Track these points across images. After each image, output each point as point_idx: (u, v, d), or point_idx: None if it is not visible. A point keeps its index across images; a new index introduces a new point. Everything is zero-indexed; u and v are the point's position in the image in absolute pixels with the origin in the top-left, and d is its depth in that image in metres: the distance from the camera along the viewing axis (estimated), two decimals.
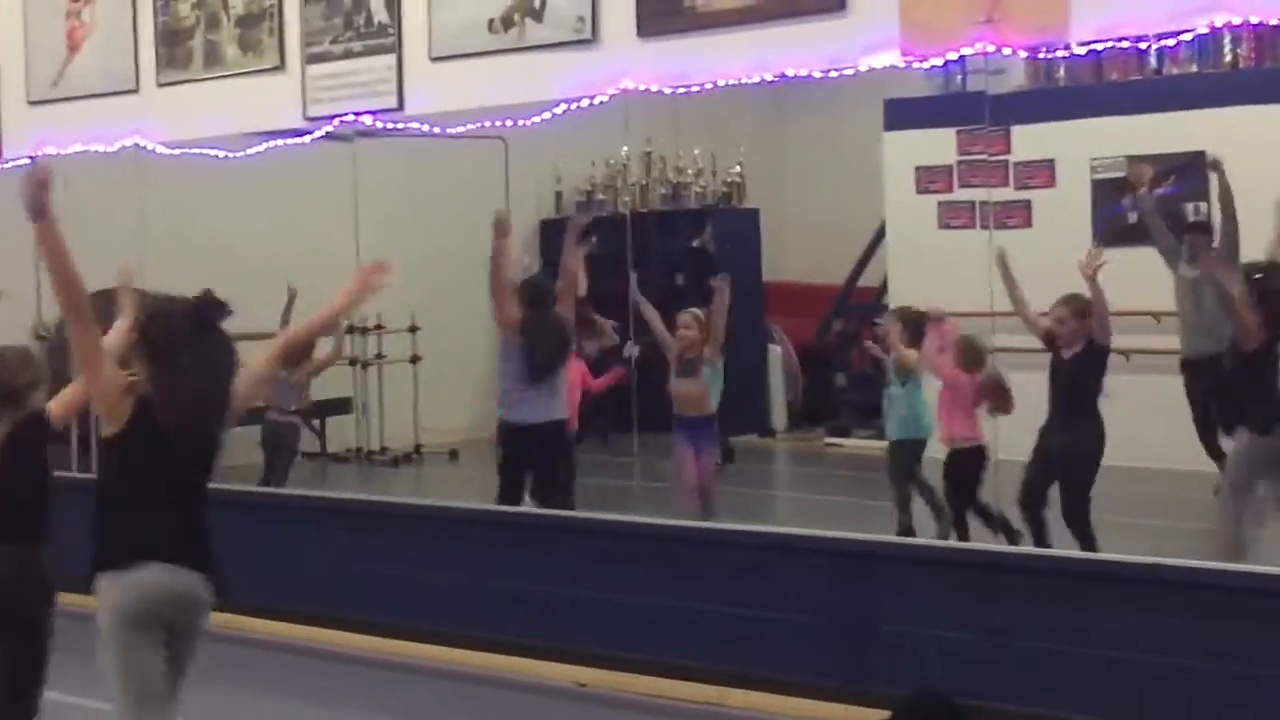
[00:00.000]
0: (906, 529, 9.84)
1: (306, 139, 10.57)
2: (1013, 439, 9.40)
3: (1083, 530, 8.89)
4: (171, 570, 5.47)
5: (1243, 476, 8.81)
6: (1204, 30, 7.29)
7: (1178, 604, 7.03)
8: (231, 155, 11.34)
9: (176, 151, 11.17)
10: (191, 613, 5.55)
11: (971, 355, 9.91)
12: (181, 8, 10.79)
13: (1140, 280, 11.91)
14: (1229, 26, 7.59)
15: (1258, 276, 8.97)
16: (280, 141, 10.82)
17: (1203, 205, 13.12)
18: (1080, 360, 9.10)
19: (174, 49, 10.85)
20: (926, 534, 9.55)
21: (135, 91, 11.10)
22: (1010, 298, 9.59)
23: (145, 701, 5.45)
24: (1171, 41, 10.34)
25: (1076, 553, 7.73)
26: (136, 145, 11.09)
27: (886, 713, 7.49)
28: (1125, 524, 10.04)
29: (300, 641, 9.65)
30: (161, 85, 10.97)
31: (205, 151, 11.27)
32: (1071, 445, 9.00)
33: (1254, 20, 7.24)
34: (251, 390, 5.83)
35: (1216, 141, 13.03)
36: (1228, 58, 13.21)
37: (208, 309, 5.60)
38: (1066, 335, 9.18)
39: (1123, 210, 13.62)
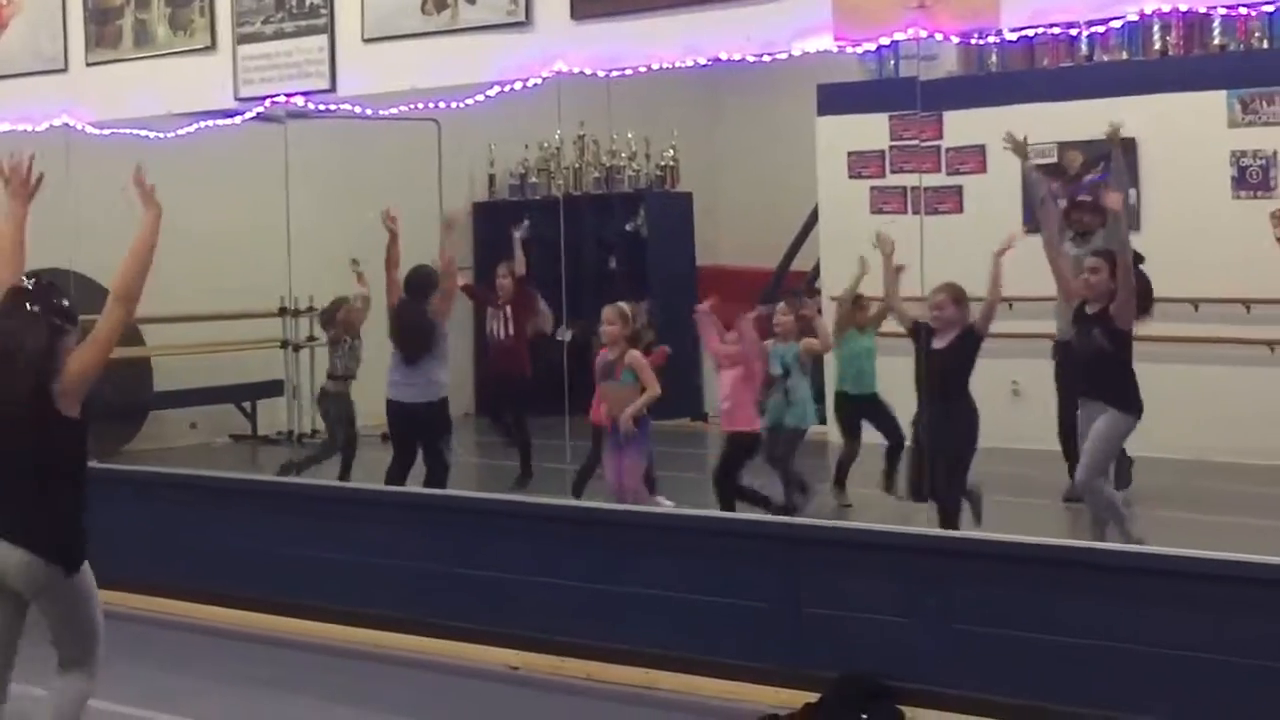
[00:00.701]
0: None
1: (238, 120, 10.49)
2: None
3: (952, 505, 8.99)
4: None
5: (1112, 453, 8.96)
6: (1133, 18, 7.33)
7: (1100, 585, 7.10)
8: (162, 136, 11.23)
9: (106, 132, 11.06)
10: (27, 586, 5.79)
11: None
12: None
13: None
14: (1158, 14, 7.64)
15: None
16: (211, 122, 10.73)
17: (1131, 192, 13.22)
18: (956, 347, 9.15)
19: (103, 28, 10.74)
20: (861, 518, 9.59)
21: (64, 71, 10.99)
22: (885, 280, 9.68)
23: None
24: (1101, 28, 10.41)
25: (1002, 535, 7.77)
26: (66, 125, 10.97)
27: (816, 694, 7.56)
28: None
29: (232, 626, 9.61)
30: (91, 65, 10.87)
31: (135, 132, 11.15)
32: (949, 430, 9.04)
33: (1182, 8, 7.29)
34: (93, 357, 5.84)
35: (1146, 128, 13.18)
36: (1157, 45, 13.31)
37: (14, 291, 5.86)
38: (943, 321, 9.20)
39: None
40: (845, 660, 7.62)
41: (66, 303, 5.89)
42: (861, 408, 11.33)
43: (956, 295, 9.21)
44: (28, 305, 5.80)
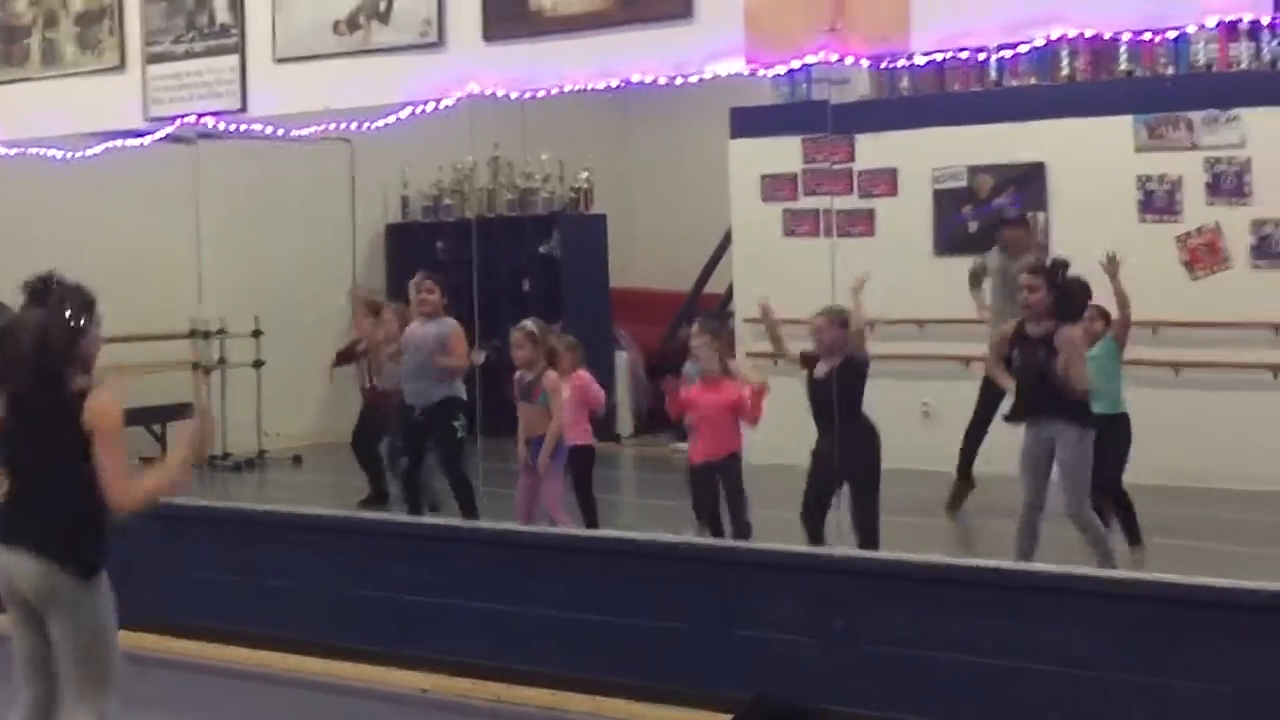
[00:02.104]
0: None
1: (147, 140, 10.41)
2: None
3: (870, 532, 8.96)
4: (7, 553, 5.60)
5: (1088, 473, 8.95)
6: (1041, 43, 7.40)
7: (1012, 605, 7.15)
8: (70, 156, 11.13)
9: (13, 151, 10.96)
10: (38, 594, 5.56)
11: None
12: (18, 4, 10.59)
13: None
14: (1065, 40, 7.70)
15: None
16: (120, 142, 10.64)
17: (1040, 215, 13.37)
18: (838, 375, 9.04)
19: (10, 46, 10.64)
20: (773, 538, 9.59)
21: None
22: (771, 338, 9.72)
23: (16, 672, 5.71)
24: (1010, 53, 10.50)
25: (911, 556, 7.81)
26: None
27: (728, 716, 7.57)
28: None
29: (139, 651, 9.50)
30: None
31: (43, 152, 11.06)
32: (850, 453, 8.97)
33: (1089, 34, 7.37)
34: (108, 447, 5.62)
35: (1055, 152, 13.32)
36: (1065, 70, 13.45)
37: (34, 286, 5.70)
38: (824, 345, 9.15)
39: (963, 220, 13.85)
40: (758, 681, 7.63)
41: (78, 299, 5.70)
42: None
43: (835, 318, 9.12)
44: (36, 300, 5.64)
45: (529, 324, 10.28)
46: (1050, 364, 8.79)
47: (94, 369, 5.72)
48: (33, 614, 5.61)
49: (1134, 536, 9.66)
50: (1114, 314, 9.64)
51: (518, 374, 10.17)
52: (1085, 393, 8.82)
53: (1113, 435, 9.49)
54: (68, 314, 5.60)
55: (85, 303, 5.71)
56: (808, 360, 9.24)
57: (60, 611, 5.55)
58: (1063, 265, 9.09)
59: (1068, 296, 9.06)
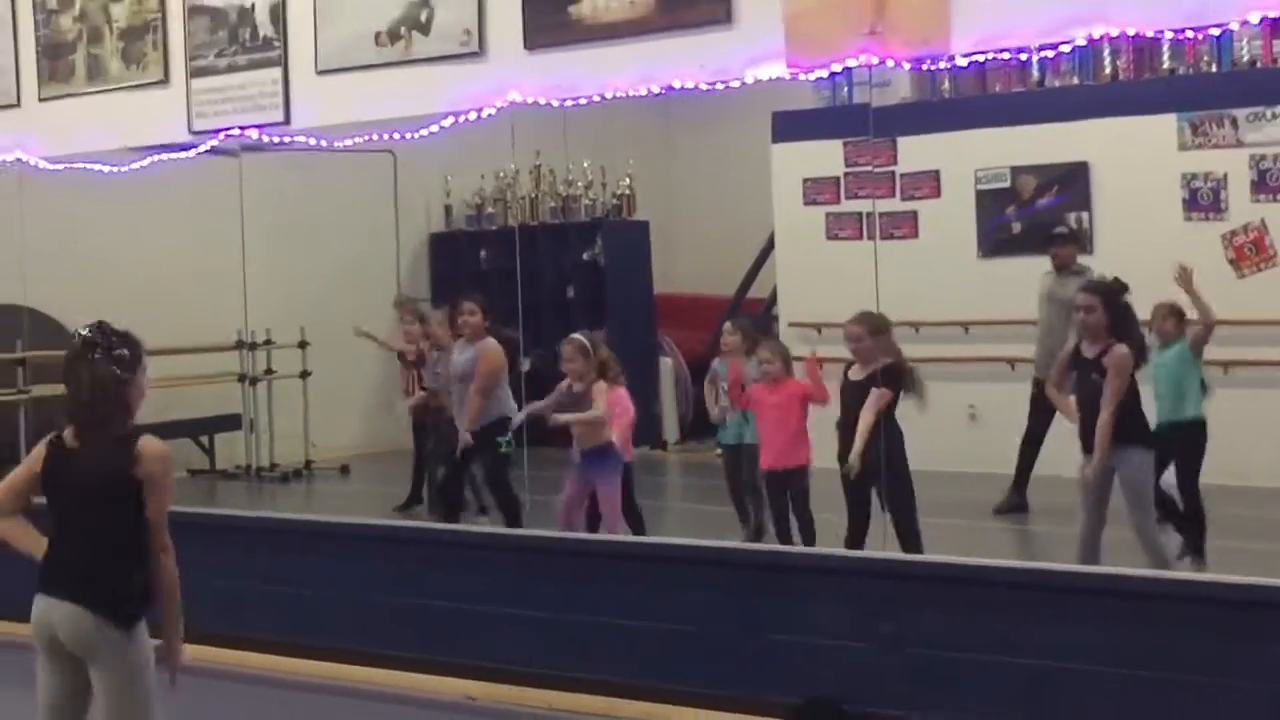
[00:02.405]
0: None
1: (191, 153, 10.47)
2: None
3: (913, 537, 8.92)
4: (49, 602, 5.54)
5: (1151, 492, 8.86)
6: (1083, 42, 7.38)
7: (1061, 608, 7.12)
8: (116, 170, 11.21)
9: (59, 167, 11.03)
10: (78, 643, 5.51)
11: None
12: (63, 21, 10.66)
13: (1022, 290, 12.07)
14: (1107, 39, 7.68)
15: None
16: (165, 156, 10.71)
17: (1084, 215, 13.33)
18: (875, 383, 8.89)
19: (56, 62, 10.71)
20: (826, 543, 9.57)
21: (16, 106, 10.95)
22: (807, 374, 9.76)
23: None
24: (1052, 53, 10.47)
25: (959, 559, 7.79)
26: (18, 160, 10.94)
27: None
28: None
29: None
30: (43, 100, 10.84)
31: (89, 166, 11.13)
32: (882, 459, 8.86)
33: (1131, 32, 7.35)
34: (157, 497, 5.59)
35: (1098, 152, 13.28)
36: (1107, 70, 13.41)
37: (82, 338, 5.64)
38: (860, 354, 9.05)
39: (1006, 221, 13.81)
40: (807, 686, 7.63)
41: (126, 352, 5.62)
42: None
43: (874, 326, 9.02)
44: (90, 354, 5.57)
45: (580, 337, 10.27)
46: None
47: (136, 414, 5.70)
48: (65, 663, 5.56)
49: (1196, 549, 9.50)
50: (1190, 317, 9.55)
51: (566, 383, 10.15)
52: (1122, 411, 8.65)
53: (1185, 441, 9.41)
54: (117, 367, 5.57)
55: (135, 354, 5.66)
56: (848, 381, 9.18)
57: (101, 662, 5.52)
58: (1122, 287, 8.95)
59: (1125, 317, 8.95)
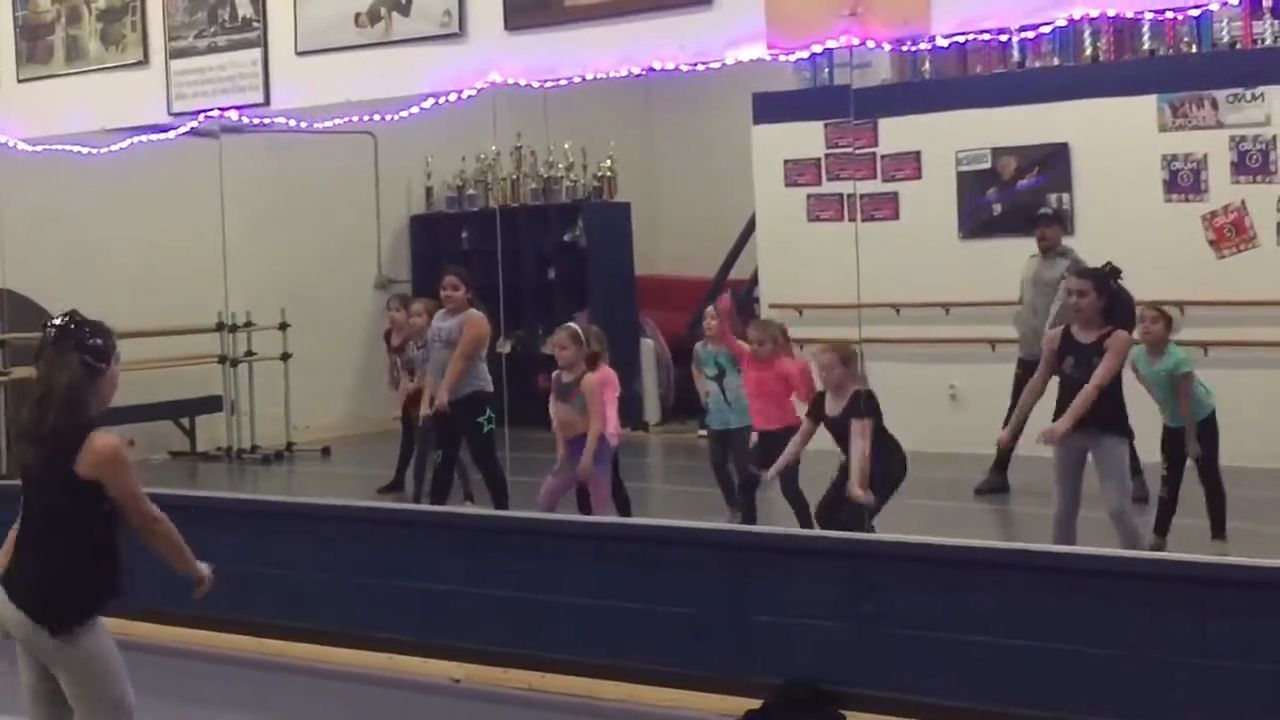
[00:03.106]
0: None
1: (171, 135, 10.44)
2: None
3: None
4: (3, 599, 5.57)
5: (1128, 476, 8.88)
6: (1063, 23, 7.39)
7: (1041, 587, 7.15)
8: (95, 152, 11.17)
9: (38, 148, 11.00)
10: (26, 644, 5.56)
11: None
12: (41, 2, 10.63)
13: (1003, 271, 12.09)
14: (1087, 19, 7.69)
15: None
16: (144, 138, 10.68)
17: (1065, 196, 13.35)
18: (857, 413, 8.79)
19: (34, 44, 10.68)
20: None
21: None
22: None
23: (24, 699, 5.70)
24: (1032, 35, 10.48)
25: (939, 539, 7.81)
26: None
27: (759, 701, 7.58)
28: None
29: (171, 643, 9.55)
30: (22, 81, 10.81)
31: (68, 148, 11.10)
32: (884, 472, 8.84)
33: (1111, 13, 7.35)
34: (118, 479, 5.53)
35: (1078, 133, 13.30)
36: (1088, 51, 13.42)
37: (56, 330, 5.62)
38: (832, 383, 8.98)
39: (987, 202, 13.83)
40: (787, 667, 7.65)
41: (100, 342, 5.59)
42: None
43: (845, 355, 8.97)
44: (60, 345, 5.55)
45: (574, 325, 10.25)
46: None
47: (109, 401, 5.66)
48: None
49: (1219, 530, 9.44)
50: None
51: (556, 373, 10.15)
52: (1100, 398, 8.65)
53: (1201, 438, 9.41)
54: (90, 359, 5.54)
55: (108, 345, 5.62)
56: (815, 407, 9.16)
57: (51, 662, 5.54)
58: (1115, 272, 8.96)
59: (1119, 302, 8.95)
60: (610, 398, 10.12)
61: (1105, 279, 8.85)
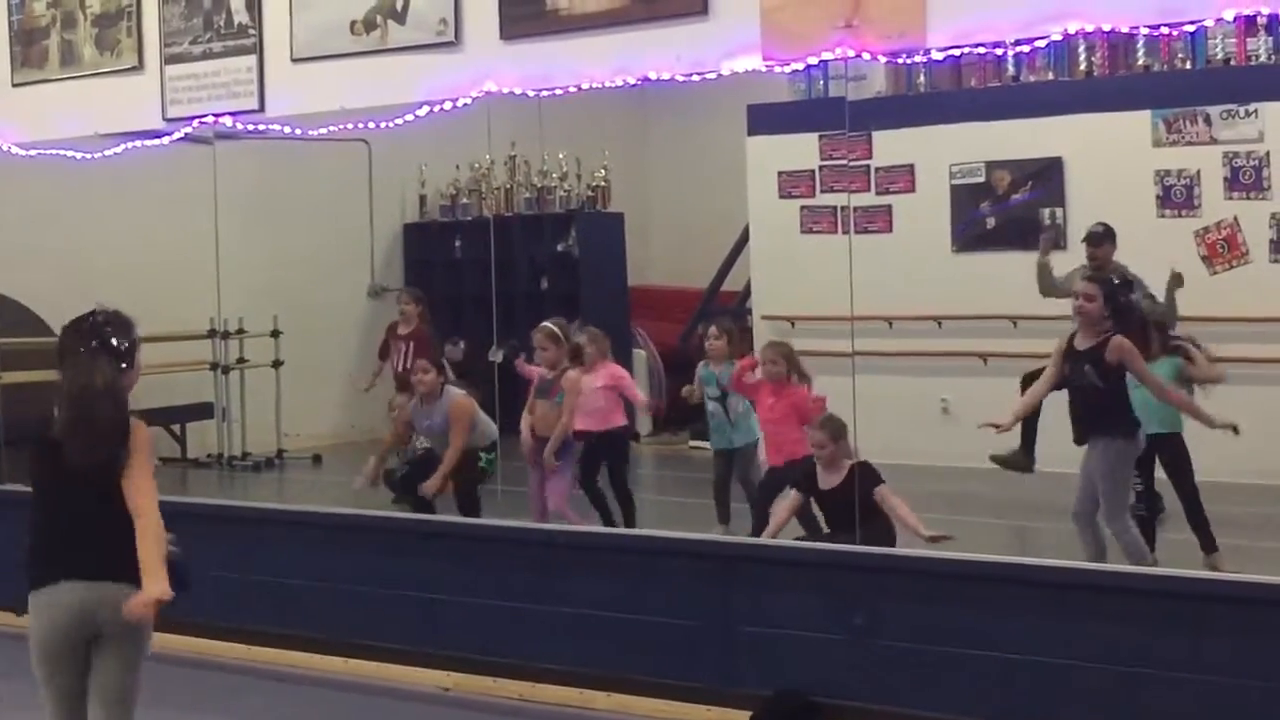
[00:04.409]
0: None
1: (166, 140, 10.42)
2: None
3: None
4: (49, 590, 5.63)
5: (1126, 485, 8.89)
6: (1058, 38, 7.39)
7: (1032, 601, 7.15)
8: (89, 157, 11.15)
9: (32, 153, 10.99)
10: (89, 617, 5.59)
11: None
12: (36, 6, 10.61)
13: (996, 284, 12.10)
14: (1082, 34, 7.70)
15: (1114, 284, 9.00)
16: (139, 143, 10.67)
17: (1058, 210, 13.36)
18: (847, 487, 8.57)
19: (29, 48, 10.66)
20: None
21: None
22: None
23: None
24: (1027, 49, 10.50)
25: (931, 552, 7.82)
26: None
27: (747, 713, 7.58)
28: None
29: (159, 649, 9.51)
30: (16, 85, 10.79)
31: (62, 153, 11.08)
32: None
33: (1106, 29, 7.36)
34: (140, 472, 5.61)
35: (1072, 147, 13.31)
36: (1082, 66, 13.44)
37: (78, 325, 5.64)
38: (825, 460, 8.81)
39: (981, 216, 13.84)
40: (776, 678, 7.64)
41: (125, 344, 5.65)
42: None
43: (835, 431, 8.79)
44: (85, 346, 5.57)
45: (551, 324, 10.24)
46: (1097, 377, 8.67)
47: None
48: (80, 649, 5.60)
49: (1207, 545, 9.41)
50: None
51: (538, 374, 10.15)
52: (1099, 399, 8.66)
53: (1172, 453, 9.42)
54: (118, 357, 5.59)
55: (133, 343, 5.67)
56: (806, 480, 9.01)
57: (108, 626, 5.53)
58: (1126, 284, 8.95)
59: (1124, 310, 8.92)
60: (617, 388, 10.18)
61: (1114, 288, 8.86)
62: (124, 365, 5.62)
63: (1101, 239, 11.24)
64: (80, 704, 5.63)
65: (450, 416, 10.40)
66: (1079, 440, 8.72)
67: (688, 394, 10.64)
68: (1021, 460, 11.36)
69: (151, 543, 5.51)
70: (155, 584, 5.46)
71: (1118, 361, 8.58)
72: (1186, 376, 9.51)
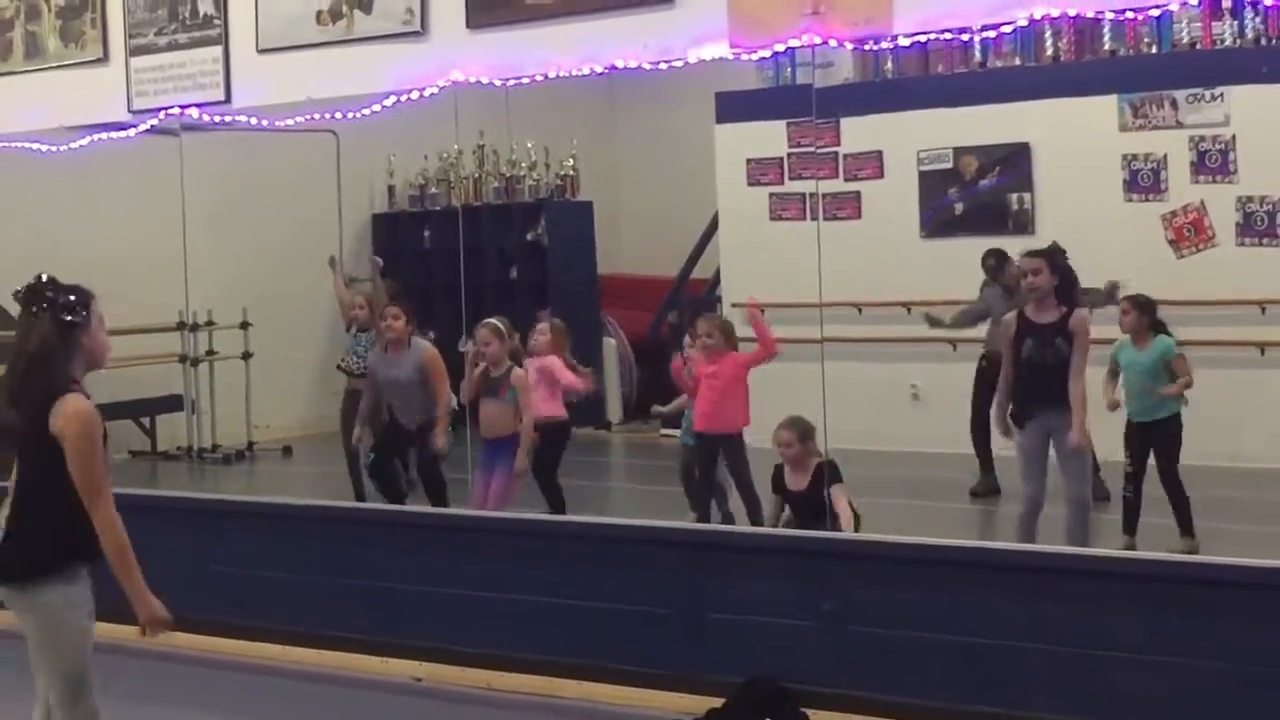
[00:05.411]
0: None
1: (131, 132, 10.39)
2: None
3: None
4: None
5: (1088, 456, 8.90)
6: (1024, 23, 7.40)
7: (1001, 585, 7.17)
8: (54, 150, 11.11)
9: None
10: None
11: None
12: None
13: (965, 270, 12.11)
14: (1048, 19, 7.71)
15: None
16: (105, 135, 10.63)
17: (1026, 196, 13.40)
18: (815, 488, 8.69)
19: None
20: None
21: None
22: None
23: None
24: (993, 34, 10.51)
25: (900, 538, 7.83)
26: None
27: (720, 700, 7.58)
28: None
29: (126, 642, 9.48)
30: None
31: (27, 146, 11.03)
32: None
33: (1072, 13, 7.37)
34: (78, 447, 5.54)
35: (1039, 133, 13.35)
36: (1049, 51, 13.47)
37: (27, 288, 5.63)
38: (791, 459, 8.87)
39: (949, 202, 13.87)
40: (748, 665, 7.65)
41: (71, 299, 5.59)
42: None
43: (803, 431, 8.85)
44: (31, 305, 5.56)
45: (495, 321, 10.15)
46: (1065, 352, 8.63)
47: (99, 364, 5.68)
48: None
49: (1186, 529, 9.48)
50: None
51: (482, 368, 10.02)
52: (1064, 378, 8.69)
53: (1165, 435, 9.46)
54: (67, 314, 5.54)
55: (81, 301, 5.61)
56: (776, 482, 9.06)
57: (13, 612, 5.58)
58: (1061, 251, 8.99)
59: (1070, 281, 8.97)
60: (547, 379, 10.15)
61: (1056, 257, 8.90)
62: (72, 322, 5.55)
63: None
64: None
65: (432, 371, 10.50)
66: (1027, 416, 8.72)
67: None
68: (990, 481, 11.40)
69: (116, 562, 5.51)
70: (140, 609, 5.57)
71: (1075, 335, 8.62)
72: (1171, 367, 9.51)
